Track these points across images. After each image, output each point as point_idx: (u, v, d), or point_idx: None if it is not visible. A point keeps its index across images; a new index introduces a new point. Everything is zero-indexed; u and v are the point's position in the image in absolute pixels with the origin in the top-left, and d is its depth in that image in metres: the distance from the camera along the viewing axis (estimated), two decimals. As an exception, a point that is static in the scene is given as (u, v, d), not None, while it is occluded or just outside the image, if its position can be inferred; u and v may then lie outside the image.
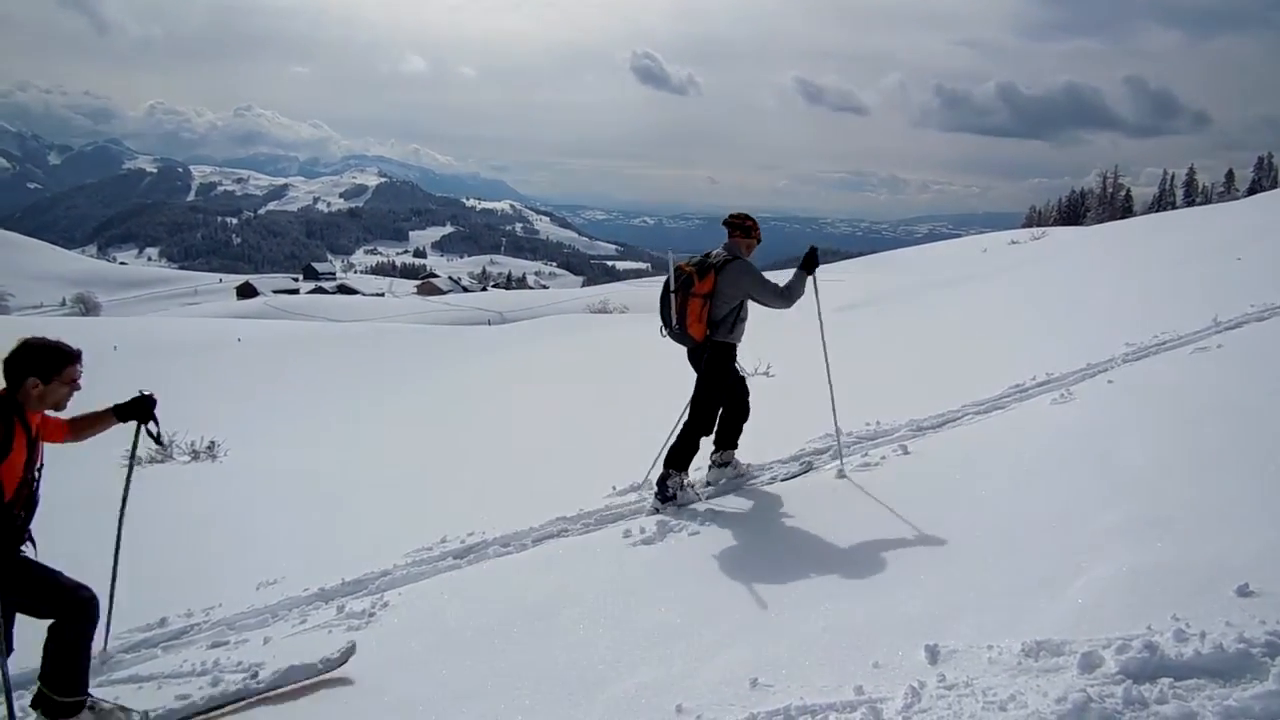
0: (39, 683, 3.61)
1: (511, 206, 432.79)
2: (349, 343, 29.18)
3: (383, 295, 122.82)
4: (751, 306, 5.83)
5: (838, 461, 6.02)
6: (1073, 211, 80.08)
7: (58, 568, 3.63)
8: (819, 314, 6.08)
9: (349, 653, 4.07)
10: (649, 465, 6.27)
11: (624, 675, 3.46)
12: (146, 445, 4.24)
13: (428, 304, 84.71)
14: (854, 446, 6.35)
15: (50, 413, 3.71)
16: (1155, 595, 3.21)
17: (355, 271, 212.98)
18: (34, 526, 3.70)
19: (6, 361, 3.52)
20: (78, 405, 3.76)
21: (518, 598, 4.59)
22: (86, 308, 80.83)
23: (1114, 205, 77.35)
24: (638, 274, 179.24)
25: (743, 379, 6.02)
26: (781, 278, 5.89)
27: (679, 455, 5.80)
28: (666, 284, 5.79)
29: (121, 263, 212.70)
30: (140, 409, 4.07)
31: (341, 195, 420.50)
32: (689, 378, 5.95)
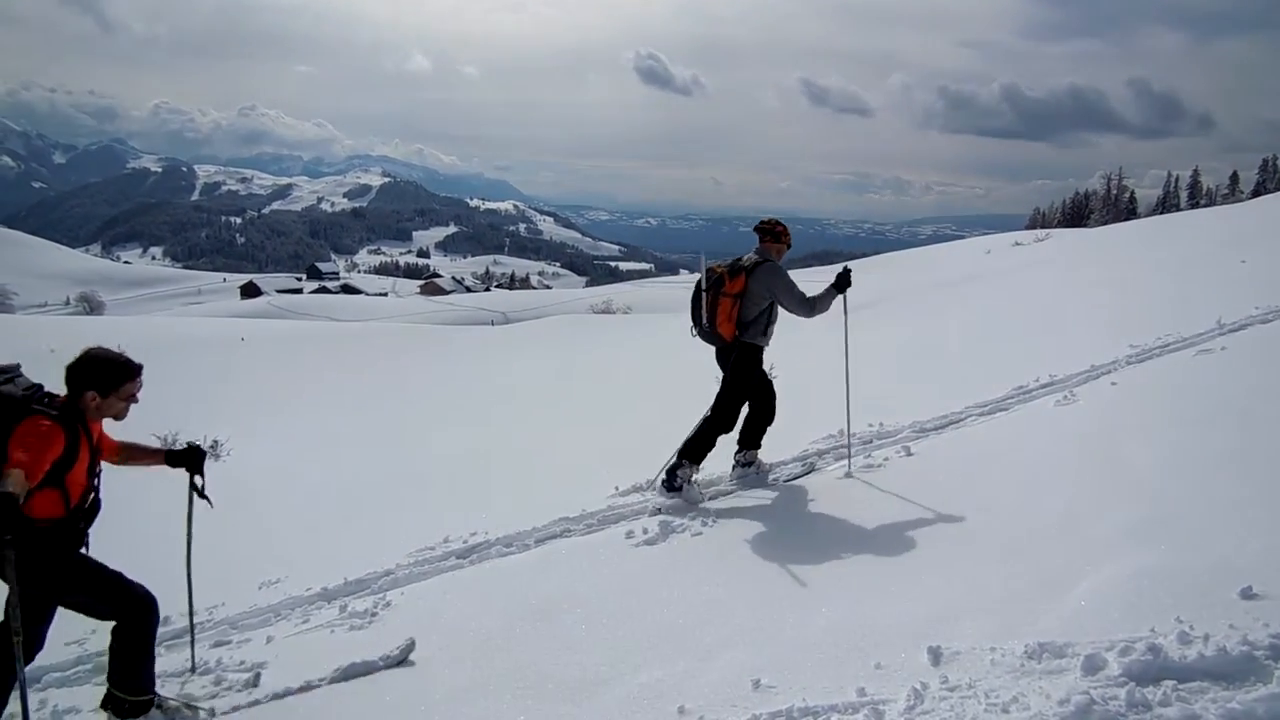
0: (107, 684, 3.62)
1: (515, 207, 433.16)
2: (352, 342, 29.22)
3: (386, 295, 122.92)
4: (781, 312, 5.90)
5: (844, 462, 6.04)
6: (1077, 213, 79.95)
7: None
8: (845, 331, 6.17)
9: (409, 649, 4.08)
10: (652, 466, 6.27)
11: (626, 676, 3.46)
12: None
13: (431, 304, 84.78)
14: (857, 448, 6.34)
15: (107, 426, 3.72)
16: (1158, 598, 3.20)
17: (359, 271, 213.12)
18: (92, 531, 3.72)
19: (68, 371, 3.52)
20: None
21: (520, 598, 4.59)
22: (90, 307, 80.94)
23: (1118, 207, 77.24)
24: (641, 274, 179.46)
25: (769, 382, 6.06)
26: (808, 288, 5.94)
27: (694, 448, 5.85)
28: (698, 284, 5.89)
29: (125, 262, 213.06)
30: (190, 459, 4.03)
31: (345, 195, 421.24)
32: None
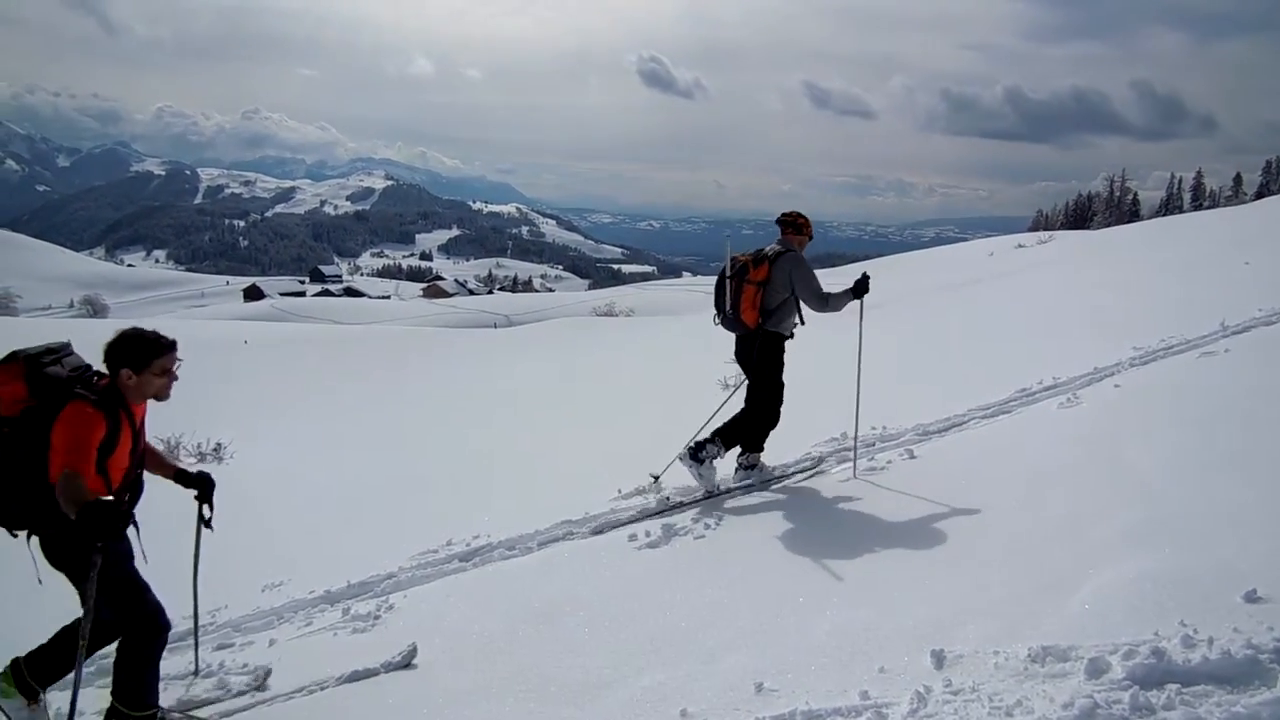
0: (111, 697, 3.62)
1: (518, 209, 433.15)
2: (355, 345, 29.22)
3: (389, 298, 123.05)
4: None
5: (847, 465, 6.04)
6: (1079, 215, 79.88)
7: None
8: (860, 336, 6.22)
9: (411, 654, 4.08)
10: (655, 469, 6.27)
11: (629, 679, 3.46)
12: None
13: (434, 306, 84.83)
14: (860, 450, 6.34)
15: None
16: (1163, 601, 3.20)
17: (361, 274, 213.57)
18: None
19: (105, 351, 3.51)
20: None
21: (523, 601, 4.59)
22: (94, 309, 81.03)
23: (1121, 209, 77.17)
24: (644, 277, 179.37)
25: (781, 385, 6.08)
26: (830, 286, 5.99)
27: (729, 434, 5.94)
28: (722, 271, 5.97)
29: (129, 265, 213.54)
30: (200, 484, 4.00)
31: (348, 198, 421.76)
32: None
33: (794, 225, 6.02)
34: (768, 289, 5.81)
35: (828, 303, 5.85)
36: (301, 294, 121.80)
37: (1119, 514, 4.21)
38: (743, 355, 6.06)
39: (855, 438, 6.22)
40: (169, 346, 3.59)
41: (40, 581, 3.57)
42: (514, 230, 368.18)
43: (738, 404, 6.21)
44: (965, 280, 25.08)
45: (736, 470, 6.18)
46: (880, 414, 6.89)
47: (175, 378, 3.61)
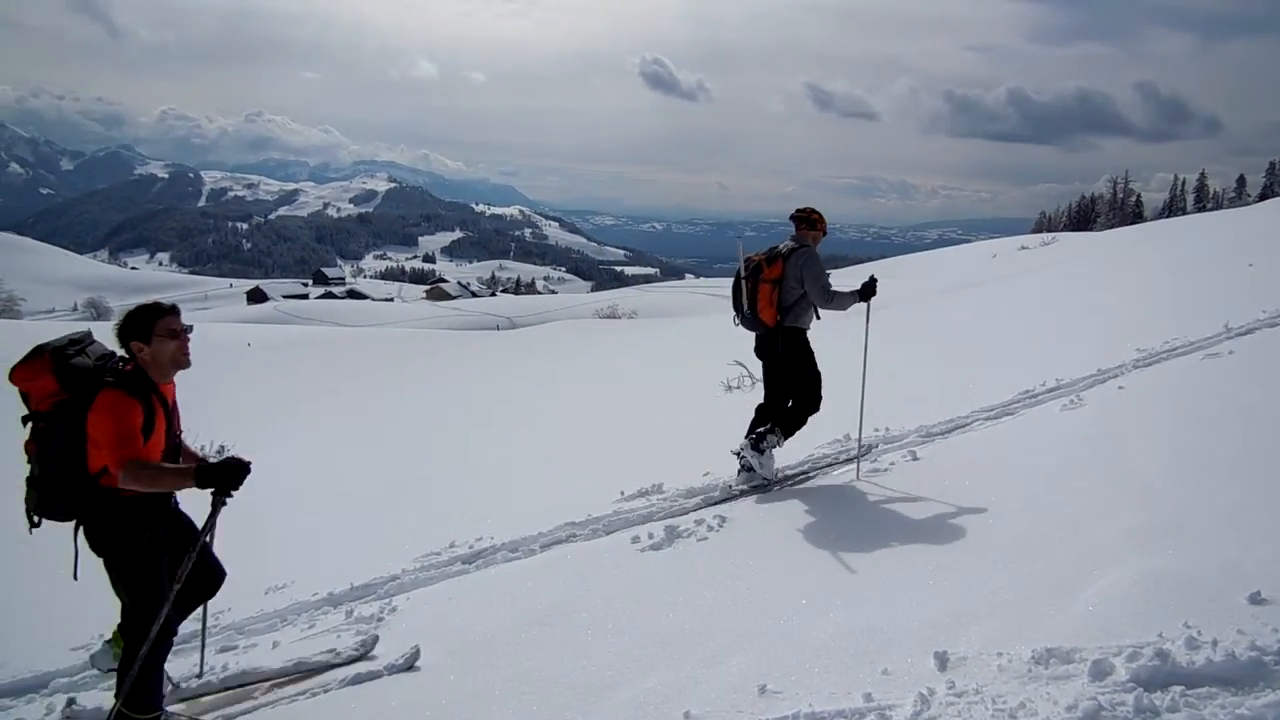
0: (115, 700, 3.64)
1: (520, 212, 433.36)
2: (358, 348, 29.25)
3: (392, 300, 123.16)
4: None
5: (850, 466, 6.04)
6: (1083, 217, 79.79)
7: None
8: (865, 338, 6.25)
9: (414, 656, 4.08)
10: (658, 470, 6.27)
11: (632, 681, 3.46)
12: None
13: (437, 309, 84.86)
14: (864, 452, 6.34)
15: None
16: (1167, 602, 3.19)
17: (365, 276, 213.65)
18: None
19: (116, 335, 3.56)
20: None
21: (525, 603, 4.59)
22: (98, 312, 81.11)
23: (1124, 211, 77.09)
24: (646, 279, 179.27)
25: (782, 391, 6.11)
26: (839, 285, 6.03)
27: (788, 423, 6.00)
28: (738, 272, 6.01)
29: (133, 268, 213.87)
30: (227, 476, 3.66)
31: (351, 200, 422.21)
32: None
33: (808, 221, 6.07)
34: (783, 286, 5.87)
35: (832, 300, 5.88)
36: (305, 296, 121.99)
37: (1122, 515, 4.20)
38: (764, 353, 6.11)
39: (859, 439, 6.22)
40: (169, 309, 3.63)
41: (76, 577, 3.60)
42: (517, 232, 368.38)
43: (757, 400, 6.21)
44: (968, 282, 25.08)
45: (739, 472, 6.14)
46: (883, 415, 6.89)
47: (186, 339, 3.64)
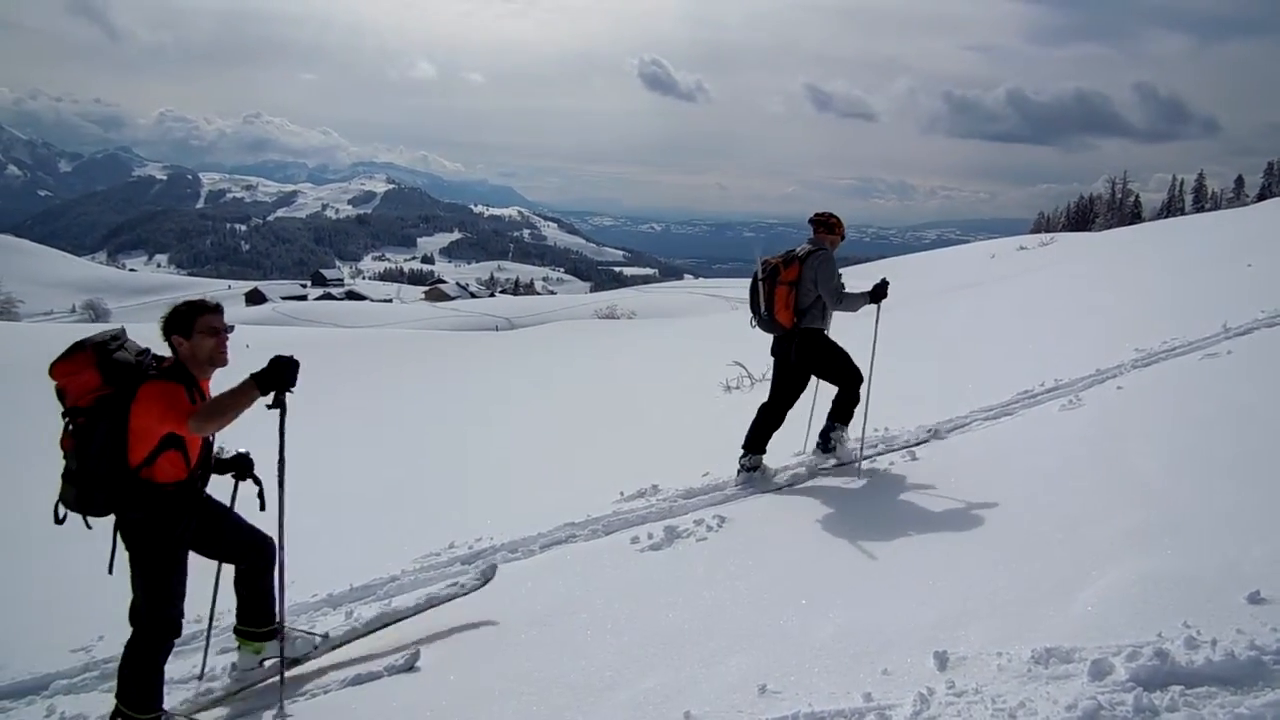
0: (115, 699, 3.64)
1: (519, 213, 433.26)
2: (357, 349, 29.23)
3: (391, 301, 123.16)
4: None
5: (851, 466, 6.04)
6: (1081, 217, 79.83)
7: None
8: (874, 341, 6.27)
9: (414, 657, 4.10)
10: (657, 470, 6.27)
11: (632, 681, 3.46)
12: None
13: (436, 310, 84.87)
14: (863, 452, 6.34)
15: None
16: (1166, 602, 3.19)
17: (363, 278, 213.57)
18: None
19: (160, 329, 3.66)
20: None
21: (525, 603, 4.59)
22: (96, 314, 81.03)
23: (1123, 211, 77.13)
24: (645, 280, 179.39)
25: (788, 394, 6.19)
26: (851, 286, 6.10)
27: (841, 410, 6.08)
28: (755, 275, 6.10)
29: (131, 269, 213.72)
30: (238, 465, 4.19)
31: (350, 202, 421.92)
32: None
33: (826, 225, 6.18)
34: (799, 288, 5.96)
35: (842, 300, 5.97)
36: (303, 298, 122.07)
37: (1121, 515, 4.21)
38: (780, 354, 6.18)
39: (862, 439, 6.22)
40: (213, 307, 3.73)
41: (111, 571, 3.64)
42: (516, 233, 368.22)
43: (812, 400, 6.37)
44: (967, 282, 25.08)
45: (739, 472, 6.19)
46: (882, 416, 6.89)
47: (226, 338, 3.73)
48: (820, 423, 6.30)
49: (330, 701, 3.89)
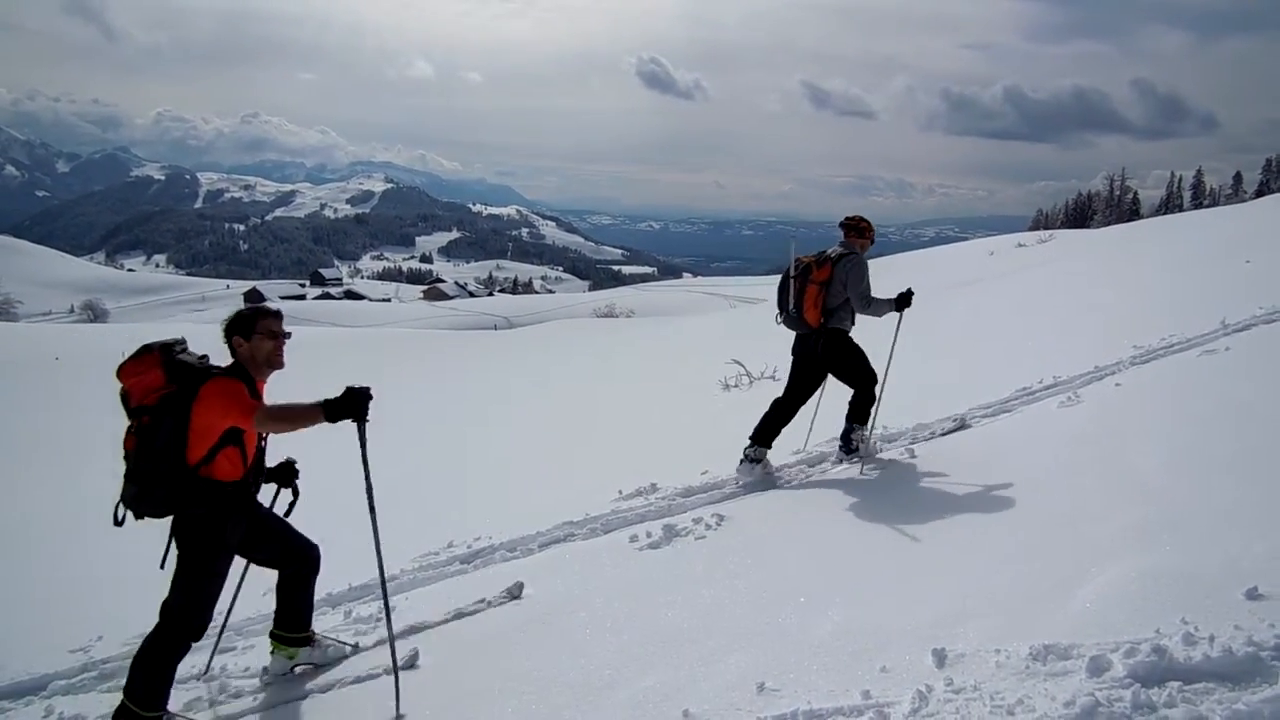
0: (122, 694, 3.66)
1: (518, 212, 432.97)
2: (355, 348, 29.24)
3: (389, 301, 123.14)
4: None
5: (850, 464, 6.05)
6: (1079, 214, 79.84)
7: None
8: (893, 346, 6.38)
9: (414, 657, 4.11)
10: (655, 469, 6.27)
11: (631, 679, 3.46)
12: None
13: (434, 309, 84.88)
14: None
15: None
16: (1164, 599, 3.20)
17: (362, 277, 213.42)
18: None
19: (223, 330, 3.84)
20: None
21: (524, 602, 4.60)
22: (94, 314, 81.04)
23: (1121, 208, 77.13)
24: (644, 278, 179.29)
25: (803, 391, 6.24)
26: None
27: (858, 411, 6.16)
28: (786, 272, 6.20)
29: (129, 269, 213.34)
30: (282, 475, 4.35)
31: (348, 201, 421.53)
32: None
33: (856, 229, 6.27)
34: (830, 289, 6.06)
35: (870, 305, 6.07)
36: (302, 297, 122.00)
37: (1120, 512, 4.21)
38: (801, 352, 6.25)
39: (866, 438, 6.22)
40: (273, 313, 3.92)
41: (163, 566, 3.70)
42: (514, 232, 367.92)
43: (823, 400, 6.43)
44: (966, 280, 25.09)
45: (741, 463, 6.21)
46: (882, 413, 6.89)
47: (284, 343, 3.91)
48: (822, 423, 6.31)
49: (330, 700, 3.89)
